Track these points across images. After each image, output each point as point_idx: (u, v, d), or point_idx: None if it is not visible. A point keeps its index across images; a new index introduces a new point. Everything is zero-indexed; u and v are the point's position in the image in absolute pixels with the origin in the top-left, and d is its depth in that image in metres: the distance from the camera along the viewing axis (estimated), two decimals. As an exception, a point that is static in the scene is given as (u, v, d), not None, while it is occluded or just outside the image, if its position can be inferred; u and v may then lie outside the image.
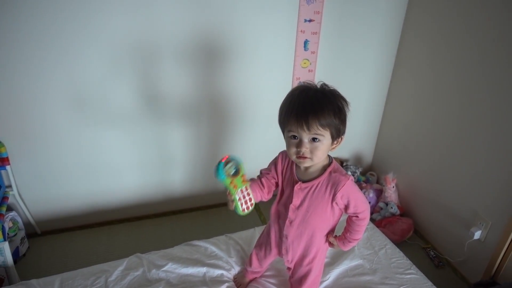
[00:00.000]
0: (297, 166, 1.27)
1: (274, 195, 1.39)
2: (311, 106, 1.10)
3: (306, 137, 1.12)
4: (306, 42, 2.20)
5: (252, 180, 1.34)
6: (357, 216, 1.27)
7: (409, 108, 2.42)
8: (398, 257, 1.78)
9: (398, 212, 2.42)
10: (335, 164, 1.25)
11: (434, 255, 2.21)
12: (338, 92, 1.17)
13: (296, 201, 1.27)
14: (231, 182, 1.13)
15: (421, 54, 2.25)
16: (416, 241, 2.34)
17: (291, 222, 1.32)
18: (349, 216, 1.31)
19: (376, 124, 2.74)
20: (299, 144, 1.13)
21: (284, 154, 1.33)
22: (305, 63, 2.27)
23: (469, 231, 1.97)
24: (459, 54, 1.98)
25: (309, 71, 2.30)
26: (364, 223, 1.29)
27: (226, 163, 1.11)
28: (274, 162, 1.35)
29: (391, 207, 2.41)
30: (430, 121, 2.24)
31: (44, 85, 1.88)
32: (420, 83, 2.29)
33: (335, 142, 1.18)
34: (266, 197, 1.34)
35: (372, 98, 2.61)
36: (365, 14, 2.26)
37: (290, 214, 1.31)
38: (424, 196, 2.36)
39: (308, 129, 1.09)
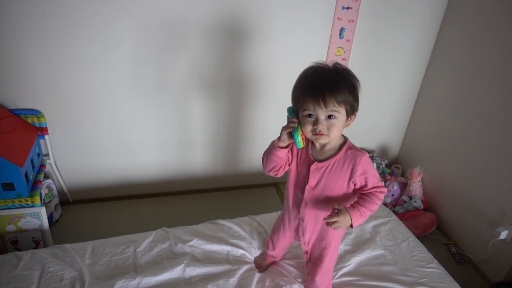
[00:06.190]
0: (313, 146, 1.28)
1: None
2: (327, 84, 1.13)
3: (322, 114, 1.15)
4: (342, 30, 2.17)
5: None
6: (375, 191, 1.24)
7: (442, 103, 2.37)
8: (420, 251, 1.79)
9: (422, 207, 2.40)
10: (349, 142, 1.27)
11: (456, 252, 2.20)
12: (351, 71, 1.20)
13: (312, 181, 1.29)
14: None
15: (460, 46, 2.18)
16: (438, 237, 2.33)
17: (306, 204, 1.34)
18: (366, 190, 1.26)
19: (405, 117, 2.69)
20: (316, 122, 1.16)
21: None
22: (339, 51, 2.24)
23: (495, 230, 1.94)
24: (501, 48, 1.91)
25: (342, 59, 2.27)
26: (382, 197, 1.25)
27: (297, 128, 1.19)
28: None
29: (415, 201, 2.40)
30: (463, 117, 2.19)
31: (80, 62, 1.94)
32: (456, 79, 2.23)
33: (349, 119, 1.21)
34: (284, 168, 1.33)
35: (403, 91, 2.55)
36: (404, 4, 2.20)
37: (306, 196, 1.32)
38: (450, 192, 2.33)
39: (325, 106, 1.12)
